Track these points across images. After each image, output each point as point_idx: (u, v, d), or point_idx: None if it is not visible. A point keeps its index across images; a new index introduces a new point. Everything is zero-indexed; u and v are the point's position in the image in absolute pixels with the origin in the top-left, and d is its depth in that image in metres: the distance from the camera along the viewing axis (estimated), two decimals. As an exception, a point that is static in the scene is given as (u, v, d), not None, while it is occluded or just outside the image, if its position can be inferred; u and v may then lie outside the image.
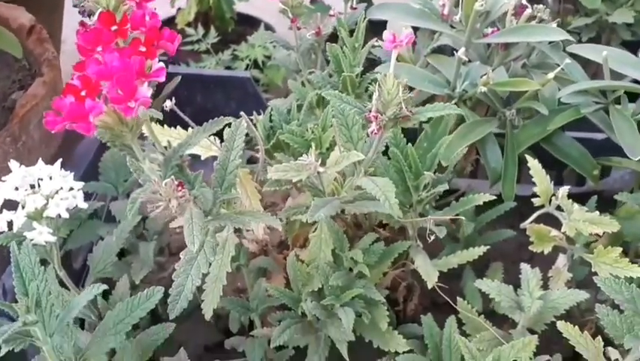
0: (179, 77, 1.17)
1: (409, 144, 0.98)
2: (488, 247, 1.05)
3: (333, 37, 1.17)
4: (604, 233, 0.96)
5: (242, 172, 0.98)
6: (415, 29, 1.22)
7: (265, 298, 1.00)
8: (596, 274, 0.93)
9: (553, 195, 0.98)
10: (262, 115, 1.08)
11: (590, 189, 1.24)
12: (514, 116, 1.12)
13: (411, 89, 1.09)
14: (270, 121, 1.08)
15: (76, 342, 0.79)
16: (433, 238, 0.97)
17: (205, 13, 2.07)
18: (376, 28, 1.18)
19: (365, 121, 0.82)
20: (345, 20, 1.20)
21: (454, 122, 1.11)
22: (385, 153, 0.96)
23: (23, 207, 0.81)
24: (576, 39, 1.63)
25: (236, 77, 1.58)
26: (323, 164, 0.84)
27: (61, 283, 0.90)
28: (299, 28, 1.19)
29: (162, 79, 0.71)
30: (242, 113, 0.90)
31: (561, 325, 0.84)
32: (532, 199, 0.99)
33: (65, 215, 0.82)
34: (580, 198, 1.04)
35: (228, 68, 1.95)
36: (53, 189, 0.83)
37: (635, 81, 1.06)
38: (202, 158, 1.02)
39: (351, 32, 1.11)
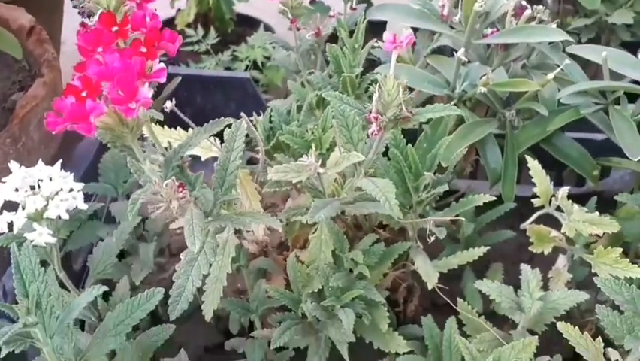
0: (179, 78, 1.17)
1: (409, 145, 0.98)
2: (488, 247, 1.05)
3: (333, 38, 1.17)
4: (604, 234, 0.96)
5: (242, 173, 0.98)
6: (415, 30, 1.22)
7: (265, 300, 1.00)
8: (596, 274, 0.93)
9: (553, 195, 0.98)
10: (262, 116, 1.08)
11: (589, 190, 1.24)
12: (514, 117, 1.12)
13: (410, 89, 1.09)
14: (270, 122, 1.08)
15: (77, 343, 0.79)
16: (433, 238, 0.97)
17: (204, 14, 2.07)
18: (376, 28, 1.18)
19: (365, 122, 0.82)
20: (344, 21, 1.20)
21: (454, 123, 1.11)
22: (385, 153, 0.96)
23: (23, 209, 0.81)
24: (576, 40, 1.63)
25: (236, 78, 1.58)
26: (323, 165, 0.84)
27: (61, 285, 0.90)
28: (298, 29, 1.19)
29: (163, 80, 0.71)
30: (242, 114, 0.90)
31: (561, 326, 0.84)
32: (532, 200, 0.99)
33: (65, 216, 0.82)
34: (580, 199, 1.04)
35: (228, 68, 1.95)
36: (53, 191, 0.83)
37: (635, 82, 1.06)
38: (202, 159, 1.02)
39: (351, 33, 1.11)
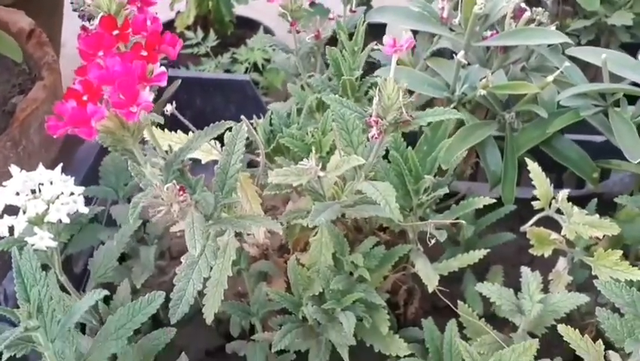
0: (179, 81, 1.17)
1: (409, 148, 0.98)
2: (488, 250, 1.05)
3: (333, 41, 1.17)
4: (604, 236, 0.96)
5: (242, 176, 0.98)
6: (415, 32, 1.23)
7: (266, 303, 1.00)
8: (596, 277, 0.93)
9: (553, 198, 0.98)
10: (262, 119, 1.08)
11: (589, 192, 1.24)
12: (514, 119, 1.12)
13: (410, 92, 1.09)
14: (270, 125, 1.08)
15: (78, 347, 0.79)
16: (433, 241, 0.97)
17: (204, 17, 2.07)
18: (376, 31, 1.18)
19: (365, 125, 0.82)
20: (344, 23, 1.20)
21: (454, 126, 1.11)
22: (385, 156, 0.96)
23: (24, 213, 0.81)
24: (575, 41, 1.63)
25: (236, 81, 1.58)
26: (323, 168, 0.84)
27: (62, 288, 0.90)
28: (298, 32, 1.19)
29: (164, 83, 0.71)
30: (242, 117, 0.90)
31: (562, 328, 0.84)
32: (532, 202, 0.99)
33: (66, 220, 0.82)
34: (580, 201, 1.04)
35: (228, 71, 1.95)
36: (54, 194, 0.83)
37: (634, 84, 1.06)
38: (203, 162, 1.02)
39: (351, 36, 1.11)
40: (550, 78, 1.08)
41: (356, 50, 1.10)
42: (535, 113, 1.11)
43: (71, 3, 0.83)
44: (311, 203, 0.90)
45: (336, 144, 0.91)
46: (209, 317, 0.92)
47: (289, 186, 0.93)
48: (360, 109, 0.84)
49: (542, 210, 0.99)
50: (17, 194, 0.83)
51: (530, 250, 1.00)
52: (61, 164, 0.88)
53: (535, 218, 0.99)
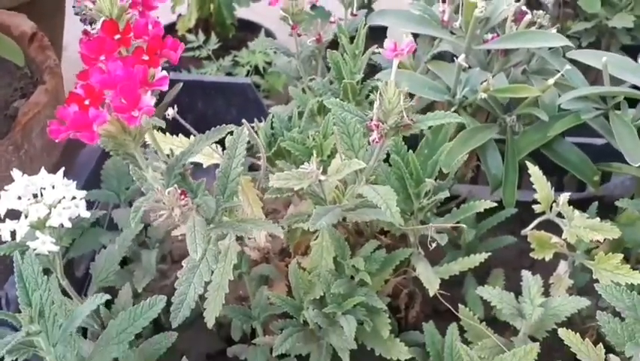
0: (181, 84, 1.17)
1: (410, 152, 0.98)
2: (489, 253, 1.05)
3: (334, 44, 1.17)
4: (605, 239, 0.96)
5: (244, 179, 0.98)
6: (415, 36, 1.23)
7: (267, 306, 1.00)
8: (597, 280, 0.93)
9: (554, 201, 0.98)
10: (263, 122, 1.08)
11: (590, 195, 1.24)
12: (515, 123, 1.13)
13: (411, 95, 1.09)
14: (272, 128, 1.08)
15: (79, 351, 0.79)
16: (434, 245, 0.98)
17: (206, 20, 2.08)
18: (377, 34, 1.18)
19: (366, 129, 0.82)
20: (345, 27, 1.20)
21: (455, 129, 1.11)
22: (386, 160, 0.96)
23: (26, 217, 0.82)
24: (576, 44, 1.64)
25: (237, 84, 1.58)
26: (324, 172, 0.85)
27: (64, 292, 0.91)
28: (299, 35, 1.20)
29: (165, 88, 0.71)
30: (244, 120, 0.90)
31: (562, 332, 0.84)
32: (533, 206, 0.99)
33: (68, 224, 0.82)
34: (581, 204, 1.04)
35: (229, 74, 1.95)
36: (56, 199, 0.83)
37: (635, 87, 1.06)
38: (204, 166, 1.02)
39: (352, 39, 1.11)
40: (551, 81, 1.08)
41: (357, 53, 1.10)
42: (536, 117, 1.11)
43: (73, 7, 0.83)
44: (312, 207, 0.90)
45: (337, 147, 0.91)
46: (210, 321, 0.92)
47: (290, 189, 0.93)
48: (360, 113, 0.84)
49: (543, 213, 0.99)
50: (19, 198, 0.83)
51: (531, 254, 1.01)
52: (63, 168, 0.88)
53: (536, 222, 1.00)
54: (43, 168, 0.87)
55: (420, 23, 1.14)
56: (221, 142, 0.89)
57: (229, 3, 2.04)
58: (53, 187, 0.84)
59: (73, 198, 0.84)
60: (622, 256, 0.94)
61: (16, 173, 0.85)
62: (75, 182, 0.87)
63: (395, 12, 1.18)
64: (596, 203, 1.12)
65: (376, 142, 0.81)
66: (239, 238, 0.94)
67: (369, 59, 1.13)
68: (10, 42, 1.31)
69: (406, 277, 1.09)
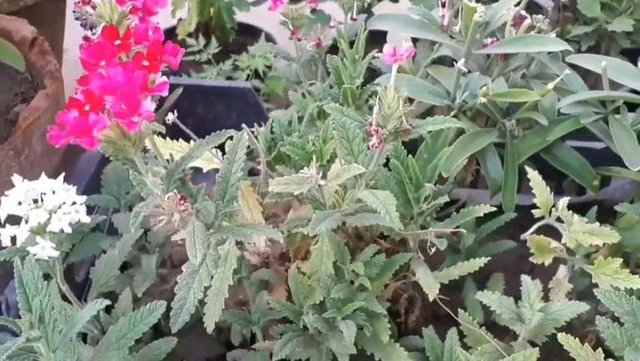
0: (181, 89, 1.17)
1: (410, 156, 0.98)
2: (489, 258, 1.05)
3: (334, 49, 1.17)
4: (604, 244, 0.96)
5: (243, 184, 0.98)
6: (415, 40, 1.23)
7: (267, 311, 1.00)
8: (596, 285, 0.93)
9: (553, 206, 0.98)
10: (263, 127, 1.08)
11: (590, 199, 1.24)
12: (514, 127, 1.13)
13: (411, 100, 1.09)
14: (271, 133, 1.08)
15: (80, 357, 0.79)
16: (434, 250, 0.98)
17: (206, 24, 2.08)
18: (376, 38, 1.18)
19: (365, 134, 0.82)
20: (345, 31, 1.21)
21: (455, 133, 1.11)
22: (386, 164, 0.96)
23: (26, 222, 0.82)
24: (576, 47, 1.64)
25: (237, 88, 1.59)
26: (324, 177, 0.85)
27: (64, 297, 0.91)
28: (299, 40, 1.20)
29: (165, 93, 0.71)
30: (243, 125, 0.91)
31: (562, 337, 0.84)
32: (532, 210, 0.99)
33: (68, 229, 0.82)
34: (580, 208, 1.04)
35: (229, 78, 1.96)
36: (56, 204, 0.83)
37: (634, 91, 1.06)
38: (204, 170, 1.02)
39: (351, 44, 1.12)
40: (550, 86, 1.08)
41: (357, 58, 1.11)
42: (535, 121, 1.11)
43: (74, 12, 0.83)
44: (312, 211, 0.90)
45: (336, 152, 0.91)
46: (209, 326, 0.92)
47: (290, 194, 0.93)
48: (360, 118, 0.84)
49: (542, 218, 0.99)
50: (20, 203, 0.83)
51: (531, 258, 1.01)
52: (64, 173, 0.88)
53: (535, 226, 1.00)
54: (43, 173, 0.87)
55: (419, 28, 1.14)
56: (221, 147, 0.89)
57: (229, 7, 2.05)
58: (54, 192, 0.84)
59: (74, 203, 0.84)
60: (621, 260, 0.94)
61: (16, 178, 0.85)
62: (75, 187, 0.87)
63: (395, 16, 1.19)
64: (596, 207, 1.12)
65: (376, 147, 0.81)
66: (238, 243, 0.94)
67: (370, 63, 1.13)
68: (10, 47, 1.32)
69: (406, 281, 1.09)
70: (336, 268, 0.96)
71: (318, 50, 1.20)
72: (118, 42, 0.72)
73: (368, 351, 0.97)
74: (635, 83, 1.05)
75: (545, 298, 0.97)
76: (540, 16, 1.15)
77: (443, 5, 1.12)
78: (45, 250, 0.81)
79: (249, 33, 2.15)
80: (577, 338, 0.84)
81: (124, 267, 1.12)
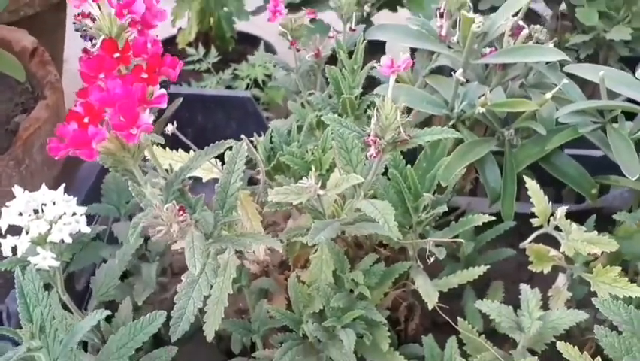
0: (181, 99, 1.18)
1: (409, 166, 0.99)
2: (488, 266, 1.05)
3: (333, 59, 1.18)
4: (603, 252, 0.96)
5: (243, 194, 0.99)
6: (414, 50, 1.24)
7: (267, 320, 1.01)
8: (595, 293, 0.94)
9: (552, 214, 0.99)
10: (263, 136, 1.09)
11: (589, 207, 1.24)
12: (513, 136, 1.13)
13: (409, 109, 1.10)
14: (271, 142, 1.09)
15: (80, 366, 0.79)
16: (433, 259, 0.98)
17: (206, 33, 2.09)
18: (375, 48, 1.19)
19: (364, 145, 0.83)
20: (344, 41, 1.21)
21: (453, 142, 1.11)
22: (385, 173, 0.96)
23: (27, 233, 0.82)
24: (574, 56, 1.65)
25: (237, 97, 1.59)
26: (323, 186, 0.85)
27: (65, 307, 0.91)
28: (298, 50, 1.20)
29: (164, 105, 0.72)
30: (242, 136, 0.91)
31: (561, 345, 0.84)
32: (531, 219, 1.00)
33: (68, 240, 0.83)
34: (580, 216, 1.04)
35: (229, 87, 1.96)
36: (57, 215, 0.84)
37: (632, 100, 1.07)
38: (203, 180, 1.03)
39: (350, 54, 1.12)
40: (548, 95, 1.08)
41: (355, 68, 1.11)
42: (533, 130, 1.11)
43: (74, 23, 0.84)
44: (311, 221, 0.90)
45: (335, 161, 0.92)
46: (209, 335, 0.92)
47: (289, 203, 0.93)
48: (358, 128, 0.84)
49: (541, 227, 0.99)
50: (20, 214, 0.84)
51: (530, 267, 1.01)
52: (64, 184, 0.88)
53: (533, 235, 1.00)
54: (43, 183, 0.88)
55: (418, 38, 1.15)
56: (220, 156, 0.90)
57: (229, 16, 2.06)
58: (54, 203, 0.85)
59: (74, 213, 0.85)
60: (620, 268, 0.95)
61: (17, 189, 0.85)
62: (76, 197, 0.88)
63: (393, 27, 1.19)
64: (594, 216, 1.13)
65: (374, 157, 0.81)
66: (238, 252, 0.94)
67: (369, 72, 1.14)
68: (10, 58, 1.32)
69: (406, 289, 1.09)
70: (336, 277, 0.96)
71: (317, 60, 1.21)
72: (117, 55, 0.73)
73: (368, 359, 0.97)
74: (633, 93, 1.05)
75: (544, 306, 0.97)
76: (538, 26, 1.15)
77: (441, 16, 1.12)
78: (46, 260, 0.81)
79: (249, 42, 2.16)
80: (576, 347, 0.85)
81: (124, 276, 1.12)
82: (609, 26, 1.62)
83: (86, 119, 0.68)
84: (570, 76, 1.12)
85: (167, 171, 0.83)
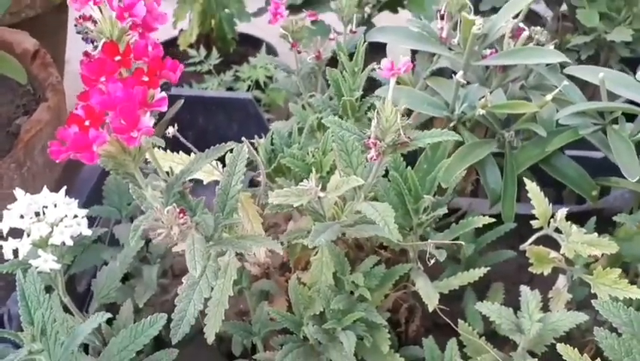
0: (182, 101, 1.18)
1: (409, 168, 0.99)
2: (489, 268, 1.05)
3: (333, 61, 1.18)
4: (603, 254, 0.96)
5: (243, 196, 0.99)
6: (414, 52, 1.24)
7: (267, 322, 1.01)
8: (596, 295, 0.94)
9: (552, 216, 0.99)
10: (263, 138, 1.09)
11: (590, 208, 1.24)
12: (513, 138, 1.13)
13: (410, 111, 1.10)
14: (272, 144, 1.09)
15: (81, 369, 0.80)
16: (433, 261, 0.98)
17: (207, 35, 2.09)
18: (376, 49, 1.19)
19: (364, 147, 0.83)
20: (345, 43, 1.21)
21: (454, 144, 1.12)
22: (386, 175, 0.96)
23: (28, 235, 0.83)
24: (575, 57, 1.65)
25: (238, 99, 1.60)
26: (323, 189, 0.85)
27: (66, 309, 0.91)
28: (299, 52, 1.21)
29: (164, 109, 0.72)
30: (243, 138, 0.91)
31: (561, 347, 0.85)
32: (531, 221, 1.00)
33: (70, 243, 0.83)
34: (580, 217, 1.04)
35: (230, 88, 1.97)
36: (58, 217, 0.84)
37: (632, 102, 1.07)
38: (204, 182, 1.03)
39: (351, 56, 1.12)
40: (549, 97, 1.08)
41: (356, 70, 1.11)
42: (534, 132, 1.11)
43: (75, 26, 0.84)
44: (312, 223, 0.91)
45: (336, 164, 0.92)
46: (210, 337, 0.92)
47: (290, 205, 0.94)
48: (358, 131, 0.85)
49: (541, 228, 1.00)
50: (22, 217, 0.84)
51: (530, 268, 1.01)
52: (65, 186, 0.89)
53: (534, 237, 1.00)
54: (45, 185, 0.88)
55: (419, 40, 1.15)
56: (221, 159, 0.90)
57: (230, 18, 2.06)
58: (55, 206, 0.85)
59: (75, 216, 0.85)
60: (620, 270, 0.95)
61: (18, 192, 0.86)
62: (77, 199, 0.88)
63: (394, 29, 1.19)
64: (594, 218, 1.13)
65: (374, 159, 0.81)
66: (239, 254, 0.94)
67: (370, 74, 1.14)
68: (12, 60, 1.32)
69: (406, 291, 1.09)
70: (336, 279, 0.96)
71: (318, 62, 1.21)
72: (118, 58, 0.73)
73: (368, 362, 0.98)
74: (632, 94, 1.06)
75: (545, 308, 0.98)
76: (538, 27, 1.15)
77: (442, 17, 1.12)
78: (47, 262, 0.82)
79: (250, 43, 2.16)
80: (576, 348, 0.85)
81: (125, 278, 1.13)
82: (610, 27, 1.62)
83: (86, 122, 0.69)
84: (570, 77, 1.12)
85: (167, 173, 0.83)
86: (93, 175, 1.27)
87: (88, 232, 0.86)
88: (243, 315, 1.09)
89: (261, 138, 1.09)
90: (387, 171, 0.95)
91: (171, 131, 0.95)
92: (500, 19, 1.10)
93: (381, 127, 0.79)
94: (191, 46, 2.04)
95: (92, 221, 1.19)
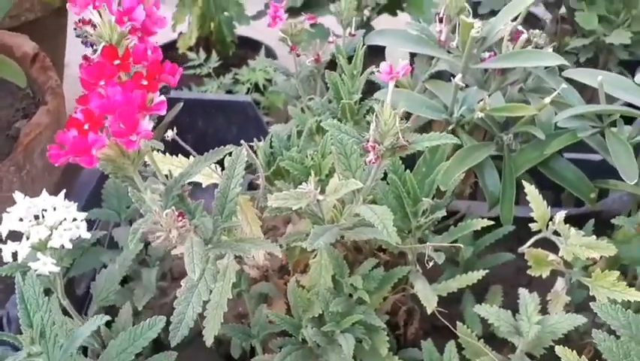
0: (182, 104, 1.18)
1: (407, 171, 0.99)
2: (487, 271, 1.05)
3: (333, 64, 1.18)
4: (601, 257, 0.96)
5: (242, 199, 0.99)
6: (413, 55, 1.24)
7: (266, 325, 1.01)
8: (594, 297, 0.94)
9: (551, 219, 0.99)
10: (263, 141, 1.09)
11: (588, 210, 1.24)
12: (512, 141, 1.13)
13: (409, 114, 1.10)
14: (271, 147, 1.09)
15: (80, 371, 0.80)
16: (432, 263, 0.98)
17: (206, 38, 2.09)
18: (375, 52, 1.19)
19: (363, 150, 0.83)
20: (344, 46, 1.21)
21: (453, 147, 1.12)
22: (384, 178, 0.97)
23: (28, 238, 0.83)
24: (574, 59, 1.65)
25: (237, 102, 1.60)
26: (322, 192, 0.85)
27: (65, 312, 0.91)
28: (298, 55, 1.21)
29: (163, 112, 0.72)
30: (242, 141, 0.92)
31: (559, 350, 0.85)
32: (530, 224, 1.00)
33: (69, 246, 0.83)
34: (579, 220, 1.04)
35: (229, 91, 1.97)
36: (57, 220, 0.84)
37: (630, 105, 1.07)
38: (203, 185, 1.03)
39: (350, 59, 1.13)
40: (547, 100, 1.09)
41: (355, 73, 1.11)
42: (532, 135, 1.11)
43: (74, 29, 0.84)
44: (310, 225, 0.91)
45: (335, 167, 0.92)
46: (209, 340, 0.92)
47: (289, 208, 0.94)
48: (357, 134, 0.85)
49: (540, 231, 1.00)
50: (21, 220, 0.84)
51: (528, 271, 1.01)
52: (64, 190, 0.89)
53: (532, 239, 1.00)
54: (44, 188, 0.88)
55: (417, 43, 1.15)
56: (220, 161, 0.90)
57: (229, 21, 2.06)
58: (54, 209, 0.85)
59: (74, 219, 0.85)
60: (618, 273, 0.95)
61: (17, 195, 0.86)
62: (76, 203, 0.88)
63: (393, 32, 1.19)
64: (593, 220, 1.13)
65: (373, 163, 0.82)
66: (238, 257, 0.94)
67: (368, 77, 1.14)
68: (12, 63, 1.33)
69: (405, 294, 1.09)
70: (335, 282, 0.96)
71: (317, 65, 1.21)
72: (117, 62, 0.73)
73: (367, 364, 0.98)
74: (631, 97, 1.06)
75: (543, 310, 0.98)
76: (537, 30, 1.15)
77: (441, 20, 1.13)
78: (46, 265, 0.82)
79: (250, 46, 2.16)
80: (574, 351, 0.85)
81: (124, 281, 1.13)
82: (609, 30, 1.62)
83: (86, 126, 0.69)
84: (569, 80, 1.13)
85: (166, 176, 0.83)
86: (92, 178, 1.27)
87: (87, 235, 0.86)
88: (242, 318, 1.09)
89: (260, 140, 1.09)
90: (385, 174, 0.95)
91: (170, 134, 0.95)
92: (499, 22, 1.11)
93: (379, 130, 0.79)
94: (190, 49, 2.05)
95: (91, 224, 1.19)
